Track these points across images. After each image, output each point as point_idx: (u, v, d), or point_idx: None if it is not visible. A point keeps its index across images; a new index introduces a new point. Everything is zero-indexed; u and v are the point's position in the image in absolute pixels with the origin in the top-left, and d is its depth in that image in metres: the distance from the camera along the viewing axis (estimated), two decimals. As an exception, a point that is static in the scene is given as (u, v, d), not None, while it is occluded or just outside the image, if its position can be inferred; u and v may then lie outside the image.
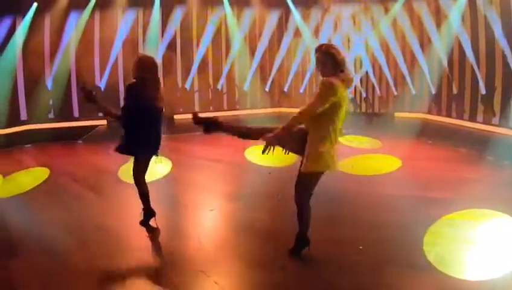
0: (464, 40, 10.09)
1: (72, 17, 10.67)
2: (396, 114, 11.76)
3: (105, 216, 4.99)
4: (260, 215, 4.88)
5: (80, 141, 9.45)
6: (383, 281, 3.36)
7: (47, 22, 10.56)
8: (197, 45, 12.21)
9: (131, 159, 4.47)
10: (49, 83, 10.72)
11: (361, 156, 7.35)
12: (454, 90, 10.71)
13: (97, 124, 10.98)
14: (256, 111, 12.80)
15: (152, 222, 4.49)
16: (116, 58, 11.26)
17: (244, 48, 12.56)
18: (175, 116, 11.71)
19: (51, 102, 10.80)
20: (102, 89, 11.14)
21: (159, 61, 10.71)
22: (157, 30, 11.54)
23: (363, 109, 12.56)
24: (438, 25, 10.76)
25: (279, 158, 7.33)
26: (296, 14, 12.35)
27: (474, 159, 7.32)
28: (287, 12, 12.65)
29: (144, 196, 4.43)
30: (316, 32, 12.43)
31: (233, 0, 12.06)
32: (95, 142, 9.34)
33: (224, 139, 9.95)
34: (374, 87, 12.38)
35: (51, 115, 10.87)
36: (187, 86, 12.09)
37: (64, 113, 10.88)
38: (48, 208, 5.21)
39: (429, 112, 11.44)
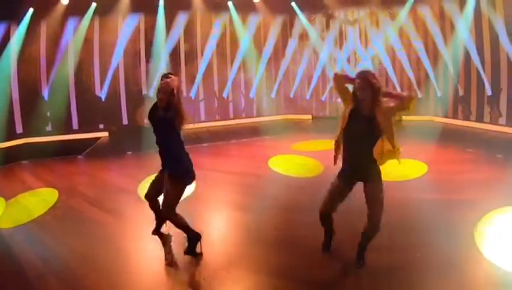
0: (469, 44, 10.00)
1: (70, 23, 9.94)
2: (404, 118, 11.64)
3: (129, 243, 4.40)
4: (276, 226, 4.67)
5: (80, 156, 8.55)
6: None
7: (44, 29, 9.79)
8: (201, 52, 11.65)
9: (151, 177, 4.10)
10: (45, 93, 9.94)
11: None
12: (461, 92, 10.57)
13: (98, 136, 10.27)
14: (262, 119, 12.36)
15: (197, 248, 3.95)
16: (117, 67, 10.52)
17: (249, 55, 12.06)
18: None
19: (48, 114, 10.01)
20: (103, 99, 10.43)
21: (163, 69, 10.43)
22: (161, 37, 10.86)
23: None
24: (443, 28, 10.65)
25: (305, 169, 6.78)
26: (302, 18, 11.93)
27: (486, 159, 7.26)
28: (292, 17, 12.21)
29: (183, 225, 3.93)
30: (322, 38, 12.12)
31: (238, 5, 11.51)
32: (98, 157, 8.56)
33: (231, 149, 9.43)
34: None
35: (49, 128, 10.06)
36: (192, 95, 11.49)
37: (62, 125, 10.06)
38: (65, 237, 4.51)
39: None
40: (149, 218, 4.41)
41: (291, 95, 12.75)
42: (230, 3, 11.35)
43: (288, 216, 4.99)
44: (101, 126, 10.45)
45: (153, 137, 3.91)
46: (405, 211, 4.90)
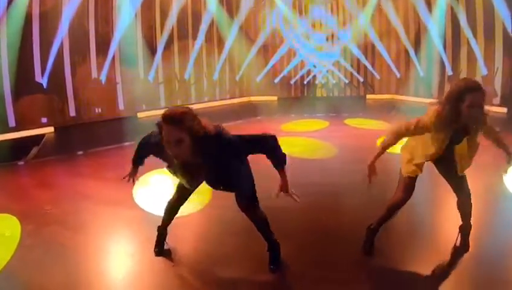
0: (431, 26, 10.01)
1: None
2: (368, 96, 11.72)
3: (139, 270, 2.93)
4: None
5: (21, 162, 6.07)
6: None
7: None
8: (161, 29, 9.59)
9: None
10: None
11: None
12: (421, 73, 10.63)
13: (42, 132, 7.81)
14: (225, 102, 10.95)
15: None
16: (61, 44, 8.01)
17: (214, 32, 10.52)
18: (138, 115, 9.20)
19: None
20: (45, 86, 7.91)
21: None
22: (126, 6, 8.62)
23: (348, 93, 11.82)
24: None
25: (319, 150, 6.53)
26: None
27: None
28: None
29: None
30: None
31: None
32: (45, 160, 6.17)
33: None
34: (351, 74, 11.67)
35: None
36: (150, 77, 9.50)
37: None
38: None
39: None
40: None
41: (258, 79, 11.49)
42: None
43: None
44: (44, 120, 8.04)
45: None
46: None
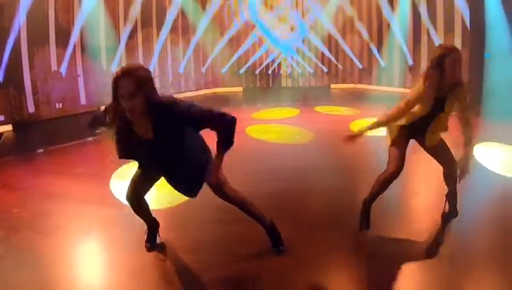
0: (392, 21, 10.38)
1: None
2: (332, 86, 11.90)
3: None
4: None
5: None
6: None
7: None
8: (124, 19, 9.15)
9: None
10: None
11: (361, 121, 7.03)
12: (383, 64, 11.02)
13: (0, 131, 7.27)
14: (191, 94, 10.67)
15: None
16: (19, 35, 7.36)
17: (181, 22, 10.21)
18: (101, 109, 8.76)
19: None
20: (1, 80, 7.26)
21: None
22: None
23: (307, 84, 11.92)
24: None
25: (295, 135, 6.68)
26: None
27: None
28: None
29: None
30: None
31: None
32: (6, 161, 5.68)
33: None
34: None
35: None
36: (113, 69, 9.07)
37: None
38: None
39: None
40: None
41: (223, 71, 11.35)
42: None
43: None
44: (1, 118, 7.44)
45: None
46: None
